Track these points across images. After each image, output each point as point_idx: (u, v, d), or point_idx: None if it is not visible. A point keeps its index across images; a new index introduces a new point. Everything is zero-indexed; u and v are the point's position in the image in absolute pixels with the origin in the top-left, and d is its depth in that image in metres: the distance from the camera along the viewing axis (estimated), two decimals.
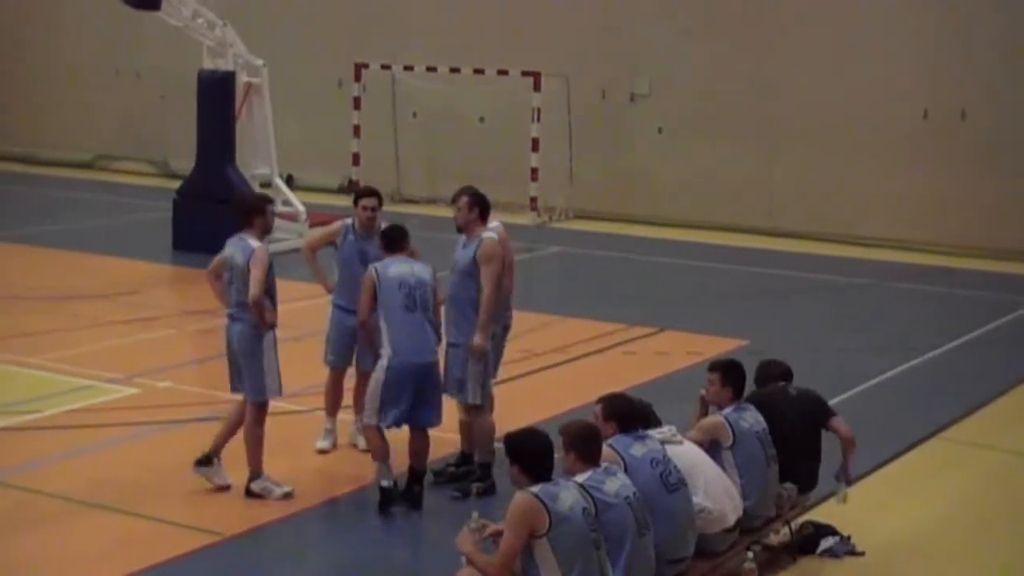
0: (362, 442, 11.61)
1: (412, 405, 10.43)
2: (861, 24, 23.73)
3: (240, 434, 10.76)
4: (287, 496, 10.68)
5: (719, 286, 20.03)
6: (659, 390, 12.94)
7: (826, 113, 23.88)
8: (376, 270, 10.50)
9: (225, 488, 10.79)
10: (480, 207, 10.99)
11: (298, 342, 14.00)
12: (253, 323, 10.53)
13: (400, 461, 10.67)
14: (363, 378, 11.31)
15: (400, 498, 10.57)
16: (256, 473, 10.75)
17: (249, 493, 10.70)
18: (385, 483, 10.47)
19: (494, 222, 11.13)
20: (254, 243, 10.61)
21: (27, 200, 26.10)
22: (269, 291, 10.61)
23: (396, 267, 10.51)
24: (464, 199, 10.98)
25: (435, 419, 10.68)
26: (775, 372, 10.20)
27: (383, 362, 10.36)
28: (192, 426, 12.49)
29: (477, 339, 10.73)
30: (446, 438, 11.53)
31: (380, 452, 10.49)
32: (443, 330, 10.87)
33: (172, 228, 21.11)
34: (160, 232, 21.47)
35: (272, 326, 10.65)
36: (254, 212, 10.78)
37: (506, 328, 11.39)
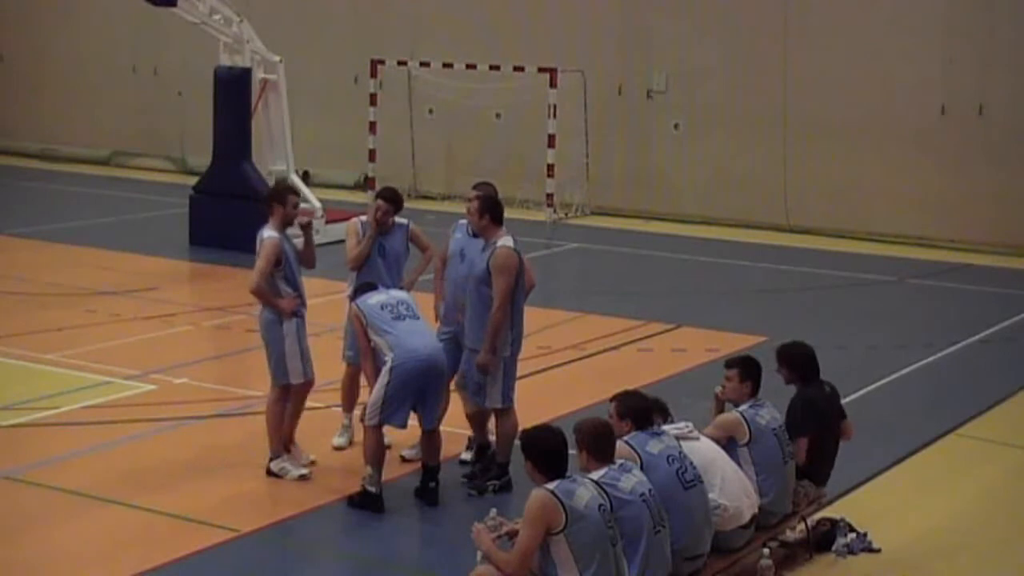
0: (340, 441, 11.73)
1: (416, 406, 10.42)
2: (878, 20, 23.64)
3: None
4: (303, 478, 10.80)
5: (736, 282, 19.97)
6: (676, 387, 12.95)
7: (843, 109, 23.79)
8: (357, 303, 10.60)
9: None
10: (491, 213, 10.58)
11: (315, 338, 13.96)
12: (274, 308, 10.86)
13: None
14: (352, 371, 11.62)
15: (415, 495, 10.60)
16: (275, 453, 10.97)
17: (269, 473, 10.91)
18: (372, 488, 10.40)
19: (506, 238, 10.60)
20: (267, 232, 10.88)
21: (44, 197, 26.13)
22: (290, 280, 10.88)
23: (375, 296, 10.63)
24: (474, 204, 10.65)
25: (434, 423, 10.63)
26: (803, 352, 10.11)
27: (387, 366, 10.26)
28: (209, 423, 12.53)
29: (481, 357, 10.51)
30: (457, 434, 11.55)
31: (375, 457, 10.41)
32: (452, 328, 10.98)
33: (189, 224, 21.15)
34: (177, 228, 21.50)
35: (294, 314, 10.88)
36: (271, 201, 11.11)
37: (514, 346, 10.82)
